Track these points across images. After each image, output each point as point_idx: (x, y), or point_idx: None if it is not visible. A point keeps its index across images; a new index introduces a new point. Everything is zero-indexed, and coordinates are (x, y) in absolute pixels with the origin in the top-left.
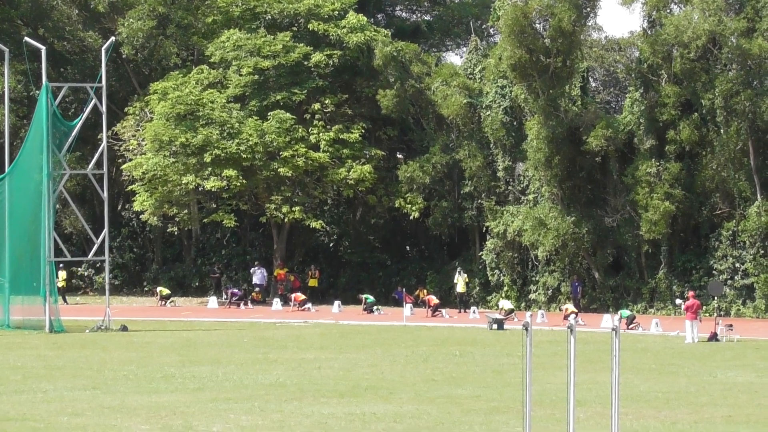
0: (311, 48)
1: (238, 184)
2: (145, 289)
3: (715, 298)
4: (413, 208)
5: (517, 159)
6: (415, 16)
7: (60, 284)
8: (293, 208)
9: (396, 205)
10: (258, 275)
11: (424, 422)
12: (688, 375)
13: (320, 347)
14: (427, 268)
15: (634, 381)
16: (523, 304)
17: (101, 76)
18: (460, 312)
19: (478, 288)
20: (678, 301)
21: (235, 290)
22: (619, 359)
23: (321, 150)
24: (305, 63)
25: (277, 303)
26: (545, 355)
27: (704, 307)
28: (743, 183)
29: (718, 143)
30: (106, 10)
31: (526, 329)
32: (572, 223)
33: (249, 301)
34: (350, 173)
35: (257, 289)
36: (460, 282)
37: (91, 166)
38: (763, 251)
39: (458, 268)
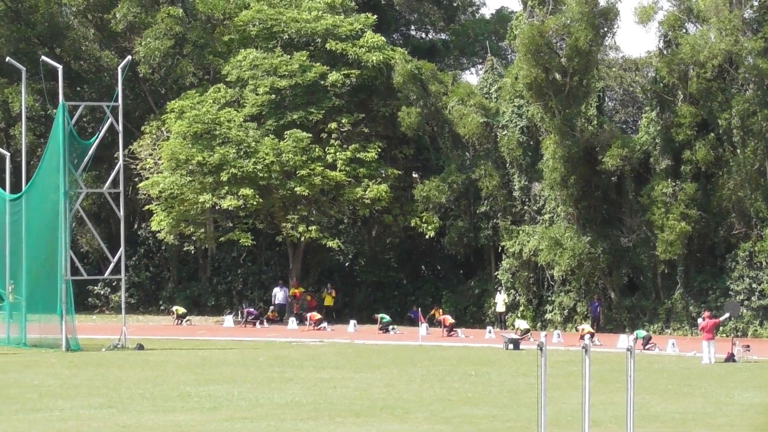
0: (328, 67)
1: (255, 203)
2: (161, 307)
3: (732, 318)
4: (429, 227)
5: (533, 178)
6: (430, 36)
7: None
8: (309, 227)
9: (412, 225)
10: (281, 295)
11: None
12: (704, 396)
13: (336, 366)
14: (443, 288)
15: (650, 401)
16: (539, 324)
17: (117, 95)
18: (499, 331)
19: (493, 307)
20: (699, 320)
21: (251, 309)
22: (635, 379)
23: (337, 169)
24: (322, 82)
25: (292, 322)
26: (561, 375)
27: (720, 327)
28: (760, 203)
29: (735, 163)
30: (123, 30)
31: (541, 349)
32: (588, 243)
33: (265, 320)
34: (366, 192)
35: (271, 308)
36: (500, 301)
37: (107, 184)
38: None
39: (499, 288)
